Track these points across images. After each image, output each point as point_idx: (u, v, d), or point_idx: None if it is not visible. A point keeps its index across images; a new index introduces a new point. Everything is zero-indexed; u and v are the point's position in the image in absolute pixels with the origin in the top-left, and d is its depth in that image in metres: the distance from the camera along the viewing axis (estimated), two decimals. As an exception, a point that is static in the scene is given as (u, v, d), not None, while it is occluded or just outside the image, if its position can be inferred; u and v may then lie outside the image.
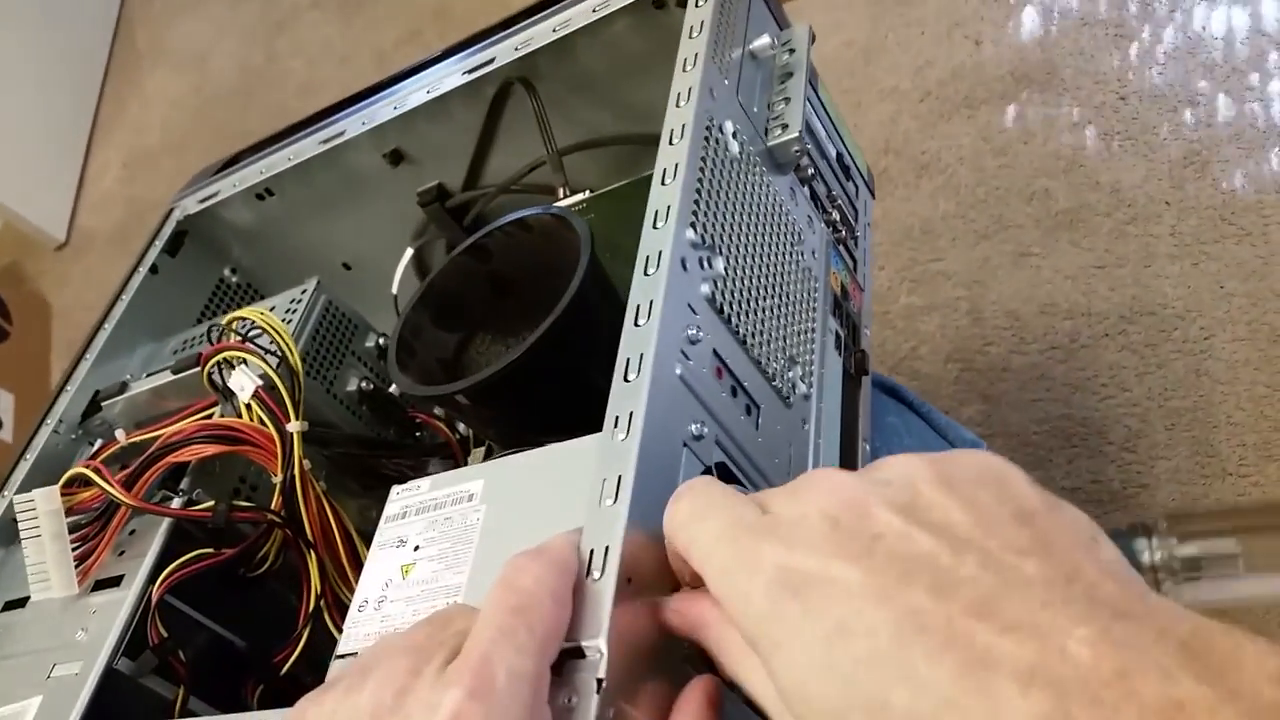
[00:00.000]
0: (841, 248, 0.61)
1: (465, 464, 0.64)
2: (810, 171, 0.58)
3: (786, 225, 0.53)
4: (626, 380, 0.38)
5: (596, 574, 0.33)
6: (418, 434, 0.68)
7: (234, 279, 0.80)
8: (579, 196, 0.61)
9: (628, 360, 0.39)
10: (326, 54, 1.95)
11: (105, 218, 2.10)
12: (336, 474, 0.63)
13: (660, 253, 0.42)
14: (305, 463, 0.53)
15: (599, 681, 0.30)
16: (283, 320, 0.64)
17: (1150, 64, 1.14)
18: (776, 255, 0.51)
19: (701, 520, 0.30)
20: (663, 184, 0.45)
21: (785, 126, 0.55)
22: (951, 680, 0.21)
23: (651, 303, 0.40)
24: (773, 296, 0.49)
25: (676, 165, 0.45)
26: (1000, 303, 1.09)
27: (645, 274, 0.42)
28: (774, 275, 0.50)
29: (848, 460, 0.53)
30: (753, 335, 0.46)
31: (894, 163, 1.24)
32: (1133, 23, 1.17)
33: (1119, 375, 1.00)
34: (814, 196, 0.59)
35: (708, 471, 0.39)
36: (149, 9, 2.44)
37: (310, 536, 0.53)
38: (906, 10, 1.33)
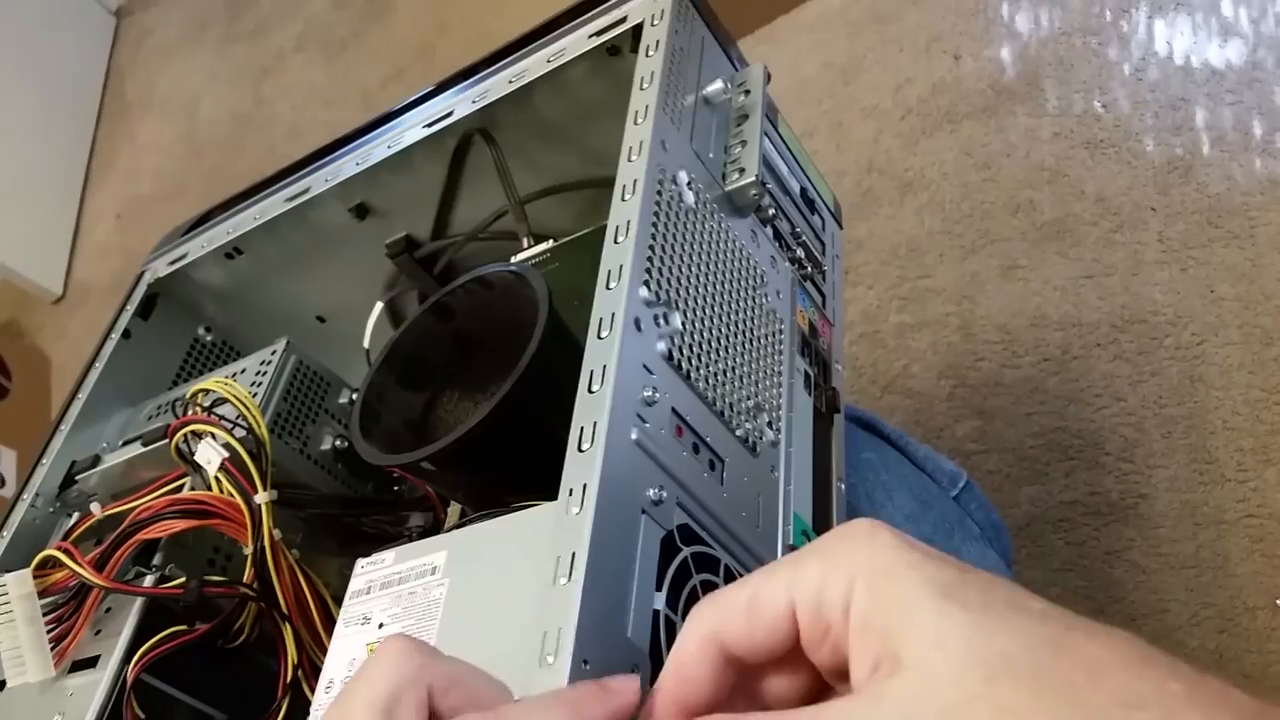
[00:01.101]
0: (809, 284, 0.60)
1: (445, 516, 0.64)
2: (771, 211, 0.57)
3: (748, 269, 0.52)
4: (581, 450, 0.38)
5: (550, 657, 0.32)
6: (396, 488, 0.68)
7: (209, 338, 0.79)
8: (543, 246, 0.61)
9: (581, 429, 0.38)
10: (312, 97, 1.96)
11: (101, 269, 2.11)
12: (315, 535, 0.62)
13: (614, 314, 0.41)
14: (276, 533, 0.52)
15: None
16: (253, 383, 0.64)
17: (1130, 72, 1.13)
18: (738, 302, 0.50)
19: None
20: (615, 242, 0.44)
21: (742, 170, 0.54)
22: None
23: (605, 367, 0.40)
24: (735, 346, 0.48)
25: (629, 222, 0.45)
26: (990, 317, 1.08)
27: (599, 337, 0.41)
28: (736, 323, 0.49)
29: (821, 501, 0.52)
30: (714, 388, 0.45)
31: (878, 181, 1.24)
32: (1111, 31, 1.16)
33: (1113, 385, 0.99)
34: (777, 236, 0.58)
35: (669, 536, 0.39)
36: (136, 59, 2.46)
37: (284, 607, 0.52)
38: (884, 28, 1.33)
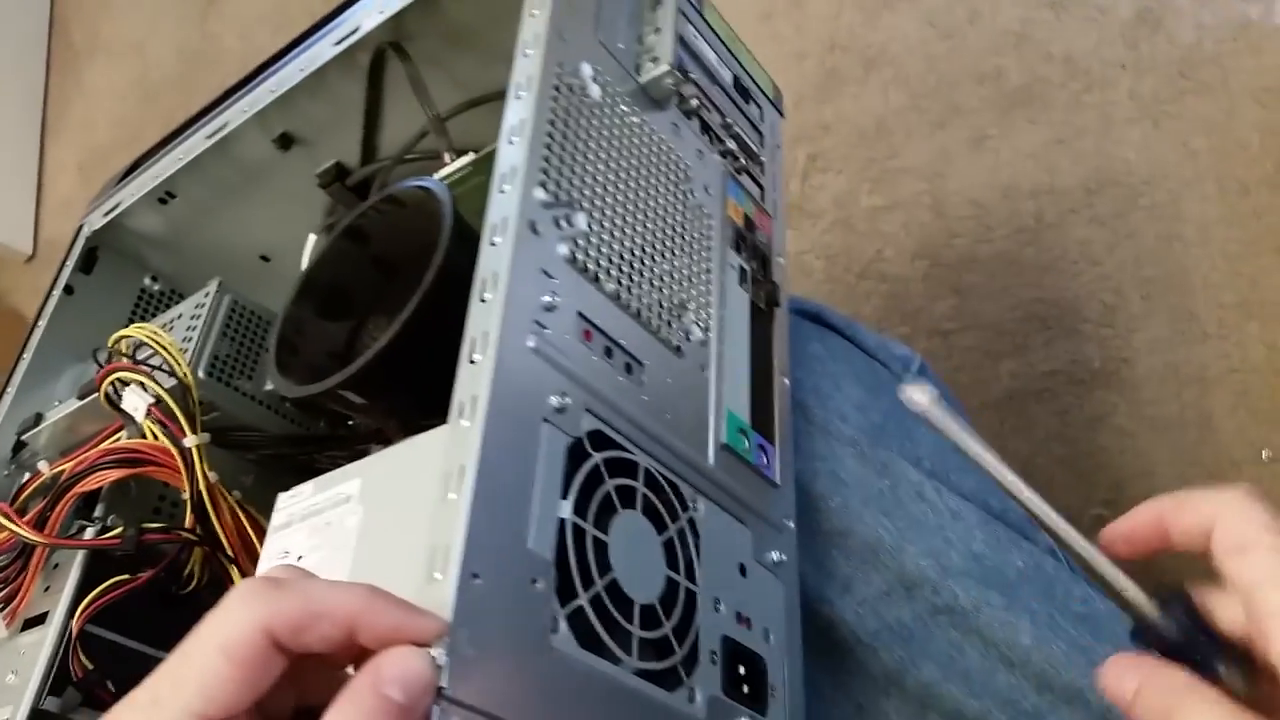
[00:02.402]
0: (744, 176, 0.58)
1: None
2: (695, 103, 0.55)
3: (667, 164, 0.50)
4: (472, 362, 0.36)
5: (438, 574, 0.31)
6: (350, 422, 0.67)
7: (155, 287, 0.78)
8: (464, 160, 0.59)
9: (473, 340, 0.37)
10: (261, 25, 1.90)
11: (69, 224, 2.06)
12: (269, 476, 0.62)
13: (506, 219, 0.40)
14: (212, 475, 0.52)
15: (439, 690, 0.29)
16: (189, 327, 0.63)
17: (1091, -81, 1.08)
18: (656, 199, 0.48)
19: None
20: (509, 144, 0.43)
21: (656, 59, 0.52)
22: None
23: (496, 275, 0.38)
24: (653, 244, 0.47)
25: (522, 122, 0.43)
26: (962, 192, 1.06)
27: (491, 244, 0.39)
28: (653, 221, 0.47)
29: (761, 398, 0.51)
30: (628, 289, 0.44)
31: (841, 59, 1.20)
32: (1068, -122, 1.11)
33: (1089, 250, 0.97)
34: (705, 128, 0.56)
35: (577, 444, 0.38)
36: (80, 3, 2.39)
37: (229, 549, 0.52)
38: (837, -101, 1.27)
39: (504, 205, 0.40)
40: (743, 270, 0.54)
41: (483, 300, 0.38)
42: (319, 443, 0.64)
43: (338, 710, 0.28)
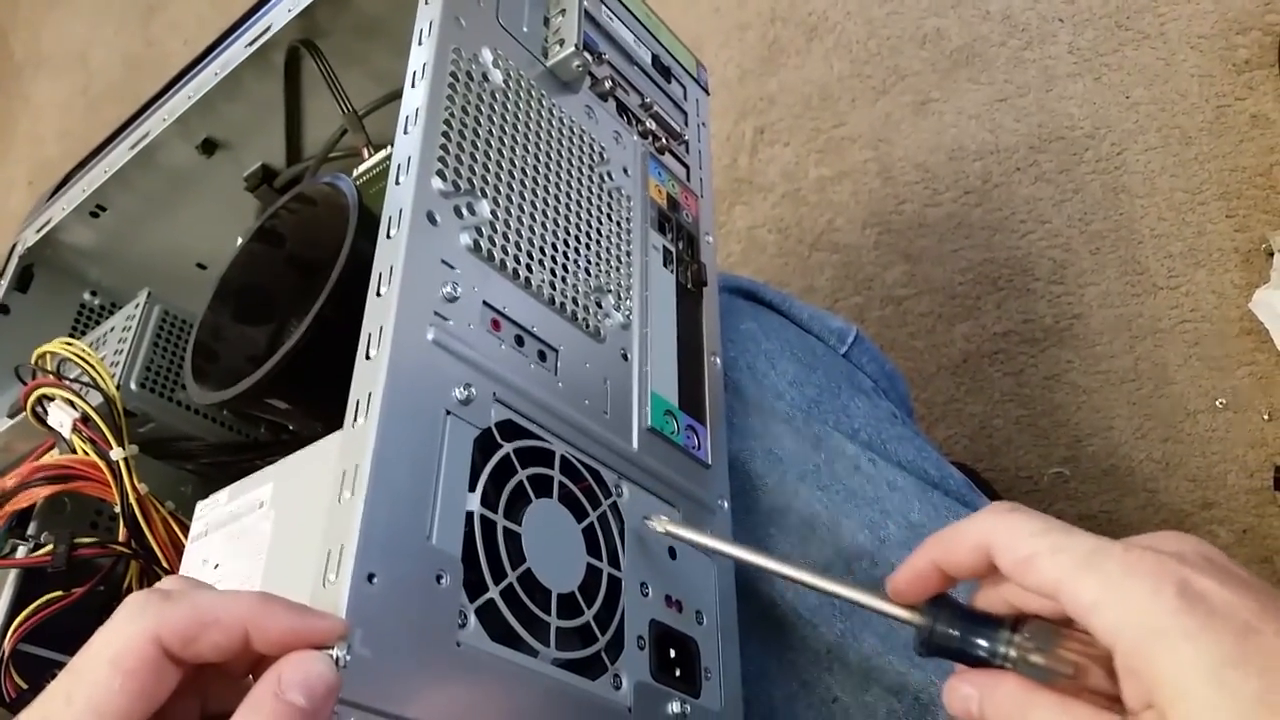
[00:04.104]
0: (667, 156, 0.58)
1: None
2: (609, 84, 0.54)
3: (580, 148, 0.50)
4: (368, 358, 0.36)
5: (332, 576, 0.31)
6: (291, 427, 0.66)
7: (95, 301, 0.77)
8: (381, 154, 0.58)
9: (368, 335, 0.36)
10: (203, 28, 1.89)
11: (24, 242, 2.06)
12: (211, 485, 0.61)
13: (400, 210, 0.39)
14: (142, 487, 0.51)
15: (335, 695, 0.28)
16: (120, 339, 0.62)
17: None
18: (568, 183, 0.48)
19: (1066, 531, 0.30)
20: (405, 134, 0.42)
21: (562, 42, 0.51)
22: None
23: (392, 268, 0.38)
24: (565, 228, 0.46)
25: (417, 110, 0.42)
26: (908, 157, 1.05)
27: (387, 237, 0.39)
28: (565, 205, 0.47)
29: (691, 379, 0.50)
30: (538, 276, 0.43)
31: (783, 30, 1.19)
32: None
33: (1036, 208, 0.97)
34: (622, 109, 0.56)
35: (485, 433, 0.37)
36: (17, 15, 2.36)
37: (164, 561, 0.51)
38: None
39: (399, 196, 0.40)
40: (667, 251, 0.53)
41: (378, 295, 0.37)
42: (260, 449, 0.64)
43: (241, 718, 0.27)
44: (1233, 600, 0.27)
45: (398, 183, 0.40)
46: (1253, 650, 0.26)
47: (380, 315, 0.36)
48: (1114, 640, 0.27)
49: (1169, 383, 0.88)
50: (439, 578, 0.33)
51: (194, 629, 0.28)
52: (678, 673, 0.41)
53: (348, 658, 0.29)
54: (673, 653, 0.42)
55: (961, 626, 0.32)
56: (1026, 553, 0.30)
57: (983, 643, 0.31)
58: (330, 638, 0.29)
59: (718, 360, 0.53)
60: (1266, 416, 0.83)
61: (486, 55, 0.47)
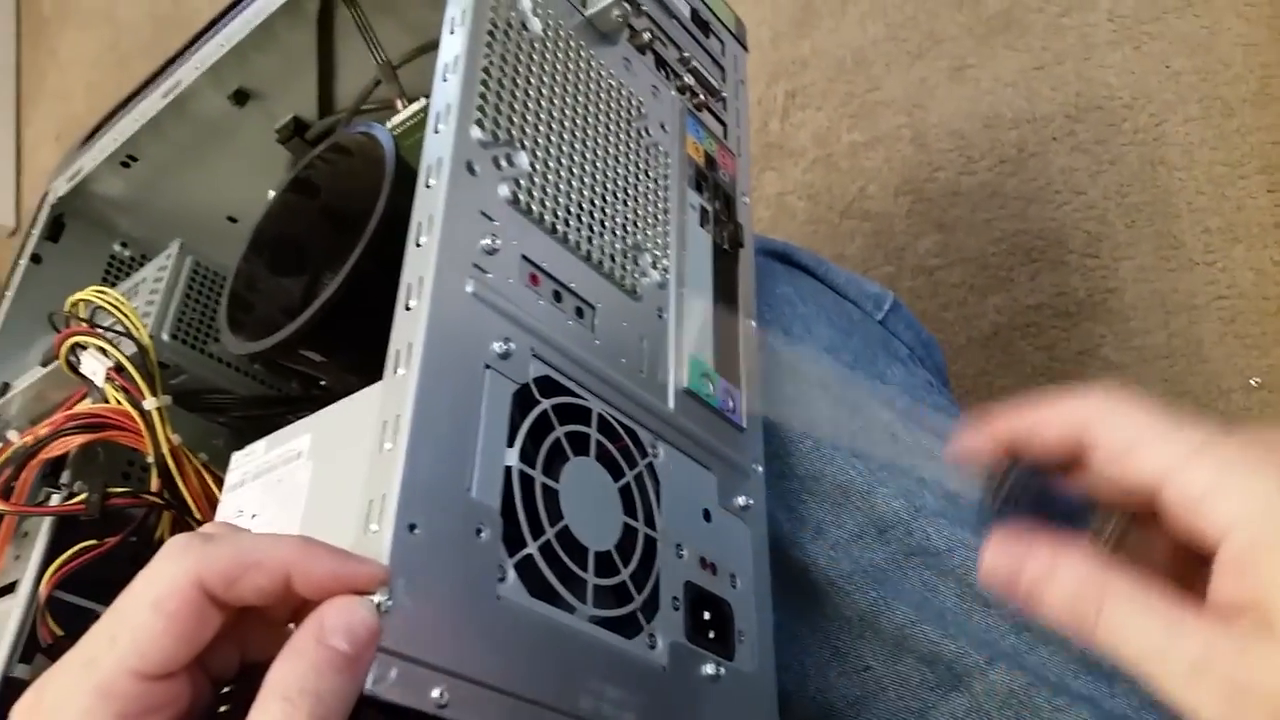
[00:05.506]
0: (704, 113, 0.57)
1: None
2: (648, 36, 0.53)
3: (619, 101, 0.49)
4: (407, 309, 0.35)
5: (374, 525, 0.31)
6: (322, 382, 0.66)
7: (126, 252, 0.77)
8: (415, 106, 0.57)
9: (408, 286, 0.36)
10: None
11: (52, 195, 2.07)
12: (242, 438, 0.61)
13: (440, 160, 0.39)
14: (175, 438, 0.51)
15: (376, 643, 0.28)
16: (152, 290, 0.62)
17: None
18: (606, 136, 0.47)
19: (1175, 420, 0.28)
20: (443, 81, 0.41)
21: (602, -10, 0.50)
22: None
23: (431, 218, 0.37)
24: (602, 183, 0.45)
25: (456, 58, 0.41)
26: (943, 124, 1.04)
27: (426, 186, 0.38)
28: (603, 159, 0.46)
29: (726, 341, 0.50)
30: (577, 231, 0.43)
31: (818, -6, 1.17)
32: None
33: (1072, 179, 0.95)
34: (660, 63, 0.55)
35: (524, 389, 0.37)
36: (46, -33, 2.36)
37: (196, 511, 0.51)
38: None
39: (438, 145, 0.39)
40: (704, 210, 0.53)
41: (418, 245, 0.37)
42: (290, 404, 0.63)
43: (283, 664, 0.27)
44: None
45: (436, 131, 0.40)
46: None
47: (420, 265, 0.36)
48: (1226, 532, 0.26)
49: (1203, 360, 0.87)
50: (479, 531, 0.33)
51: (236, 570, 0.28)
52: (711, 635, 0.41)
53: (389, 603, 0.29)
54: (707, 615, 0.41)
55: (1045, 477, 0.29)
56: (1133, 436, 0.28)
57: (1070, 499, 0.29)
58: (372, 583, 0.29)
59: (753, 323, 0.53)
60: (1302, 395, 0.82)
61: (525, 3, 0.46)
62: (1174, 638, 0.25)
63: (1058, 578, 0.28)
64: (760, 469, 0.49)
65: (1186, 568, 0.28)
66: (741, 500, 0.46)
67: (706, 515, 0.44)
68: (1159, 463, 0.27)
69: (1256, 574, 0.25)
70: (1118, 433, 0.28)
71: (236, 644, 0.31)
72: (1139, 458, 0.28)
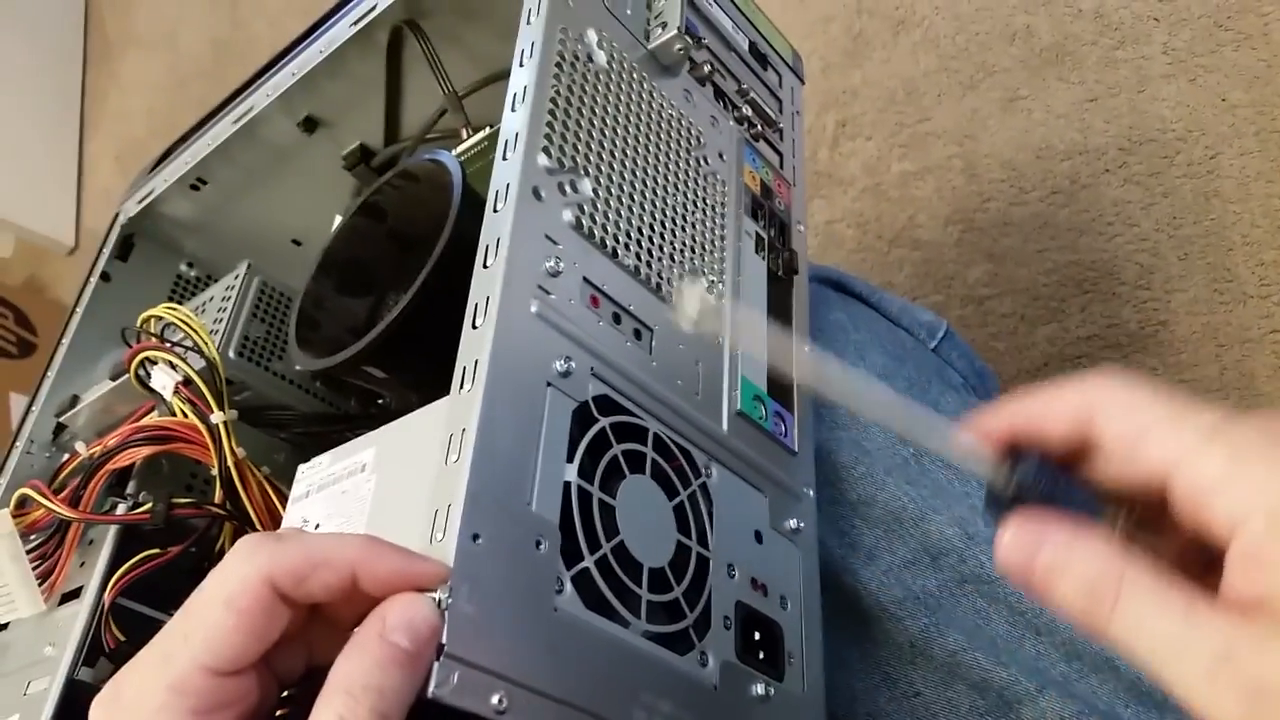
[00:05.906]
0: (761, 143, 0.58)
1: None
2: (708, 68, 0.55)
3: (679, 131, 0.50)
4: (474, 328, 0.37)
5: (440, 535, 0.32)
6: (380, 400, 0.68)
7: (191, 273, 0.80)
8: (480, 135, 0.59)
9: (475, 306, 0.37)
10: (290, 11, 1.92)
11: (109, 214, 2.12)
12: (303, 454, 0.63)
13: (508, 185, 0.40)
14: (240, 451, 0.53)
15: (440, 647, 0.29)
16: (219, 309, 0.64)
17: None
18: (666, 165, 0.48)
19: (1187, 403, 0.27)
20: (512, 110, 0.43)
21: (665, 25, 0.51)
22: None
23: (499, 240, 0.38)
24: (662, 210, 0.47)
25: (525, 88, 0.43)
26: (994, 154, 1.04)
27: (494, 210, 0.40)
28: (663, 187, 0.47)
29: (782, 362, 0.50)
30: (636, 255, 0.44)
31: (869, 23, 1.18)
32: None
33: (1124, 211, 0.95)
34: (719, 95, 0.56)
35: (583, 406, 0.38)
36: (113, -5, 2.43)
37: (258, 523, 0.53)
38: None
39: (506, 171, 0.40)
40: (759, 237, 0.54)
41: (485, 266, 0.38)
42: (349, 421, 0.65)
43: (346, 659, 0.28)
44: None
45: (505, 158, 0.41)
46: None
47: (487, 286, 0.37)
48: (1242, 521, 0.24)
49: (1256, 394, 0.86)
50: (538, 543, 0.34)
51: (305, 568, 0.29)
52: (761, 655, 0.42)
53: (449, 600, 0.30)
54: (757, 635, 0.42)
55: (1055, 468, 0.28)
56: (1141, 423, 0.26)
57: (1080, 491, 0.27)
58: (435, 580, 0.30)
59: (807, 348, 0.53)
60: (1361, 431, 0.81)
61: (591, 36, 0.47)
62: (1192, 634, 0.24)
63: (1073, 565, 0.26)
64: (811, 493, 0.49)
65: (1199, 560, 0.27)
66: (793, 523, 0.47)
67: (758, 537, 0.44)
68: (1167, 452, 0.26)
69: (1273, 568, 0.24)
70: (1124, 421, 0.27)
71: (304, 646, 0.32)
72: (1147, 447, 0.26)
